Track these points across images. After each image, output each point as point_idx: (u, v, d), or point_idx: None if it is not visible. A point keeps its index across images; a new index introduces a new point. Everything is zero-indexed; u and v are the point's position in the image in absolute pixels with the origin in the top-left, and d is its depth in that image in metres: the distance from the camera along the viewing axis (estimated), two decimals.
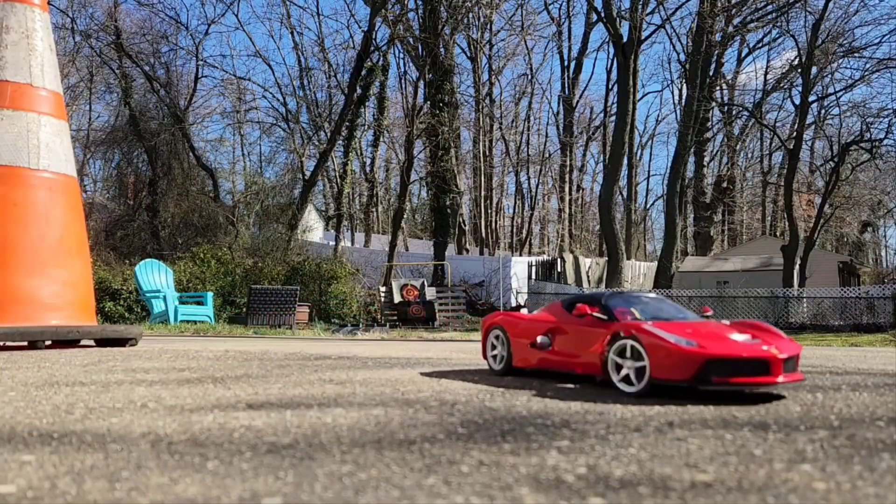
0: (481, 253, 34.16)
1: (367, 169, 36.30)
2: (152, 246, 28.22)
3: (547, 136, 43.46)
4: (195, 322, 16.65)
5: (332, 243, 28.11)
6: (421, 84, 29.01)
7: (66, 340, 7.49)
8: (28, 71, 7.94)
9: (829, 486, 1.97)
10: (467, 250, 34.40)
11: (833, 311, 19.63)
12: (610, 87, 38.36)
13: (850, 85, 26.90)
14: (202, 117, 36.48)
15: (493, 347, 5.12)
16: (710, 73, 27.97)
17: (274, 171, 40.67)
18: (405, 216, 30.55)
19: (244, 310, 18.71)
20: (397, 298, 19.73)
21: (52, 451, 2.38)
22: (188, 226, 30.90)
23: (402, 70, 37.81)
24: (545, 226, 48.77)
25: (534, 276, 26.28)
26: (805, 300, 20.55)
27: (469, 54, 36.89)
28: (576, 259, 29.25)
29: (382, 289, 21.39)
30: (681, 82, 37.25)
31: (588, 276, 29.17)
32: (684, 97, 30.31)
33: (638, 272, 32.23)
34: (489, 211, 38.05)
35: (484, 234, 36.62)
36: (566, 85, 39.15)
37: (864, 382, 4.67)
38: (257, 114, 38.60)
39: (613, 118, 31.52)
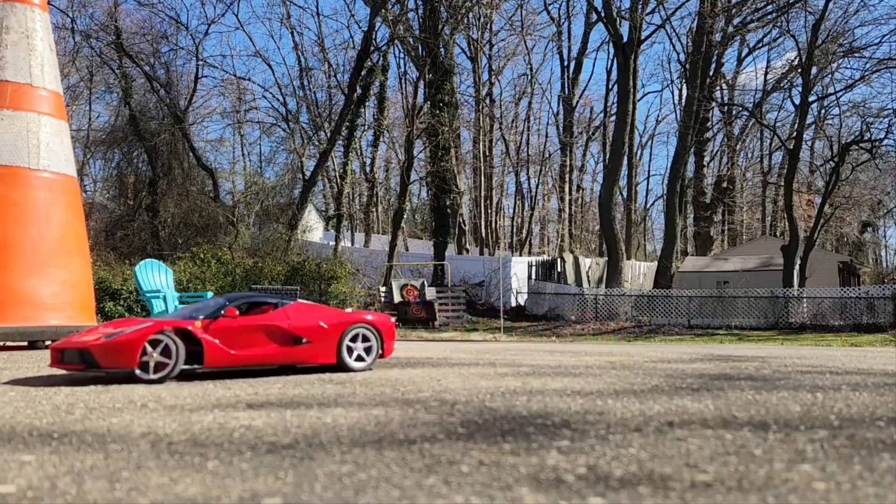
0: (481, 253, 34.15)
1: (367, 169, 36.29)
2: (152, 246, 28.21)
3: (547, 136, 43.47)
4: None
5: (332, 243, 28.11)
6: (421, 84, 29.01)
7: None
8: (28, 71, 7.93)
9: (829, 485, 1.97)
10: (467, 250, 34.39)
11: (833, 311, 19.62)
12: (610, 87, 38.34)
13: (850, 85, 26.90)
14: (202, 117, 36.49)
15: None
16: (710, 73, 27.96)
17: (274, 171, 40.70)
18: (405, 216, 30.56)
19: None
20: (397, 298, 19.74)
21: (52, 450, 2.38)
22: (188, 226, 30.89)
23: (402, 70, 37.85)
24: (545, 226, 48.73)
25: (534, 277, 26.27)
26: (805, 300, 20.55)
27: (469, 54, 36.88)
28: (576, 259, 29.23)
29: (382, 289, 21.40)
30: (681, 82, 37.27)
31: (588, 276, 29.15)
32: (684, 97, 30.31)
33: (638, 272, 32.21)
34: (489, 211, 38.04)
35: (484, 234, 36.60)
36: (566, 85, 39.14)
37: (865, 382, 4.67)
38: (257, 114, 38.63)
39: (613, 118, 31.51)
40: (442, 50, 28.90)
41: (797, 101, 26.02)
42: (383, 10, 26.38)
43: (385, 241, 31.17)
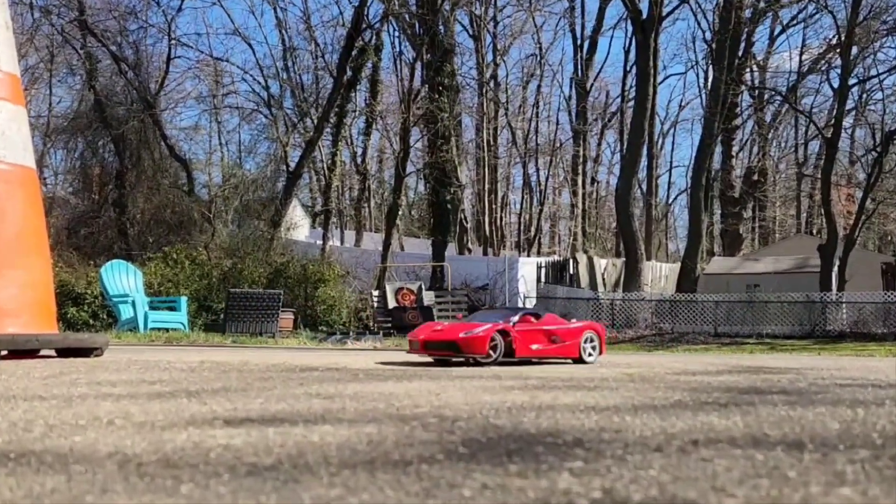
0: (485, 253, 34.18)
1: (359, 160, 36.31)
2: (120, 245, 28.24)
3: (558, 124, 43.49)
4: (167, 330, 16.66)
5: (320, 242, 28.13)
6: (418, 65, 29.02)
7: (23, 350, 7.49)
8: None
9: None
10: (469, 250, 34.43)
11: (875, 317, 19.62)
12: (628, 68, 38.37)
13: (894, 66, 26.95)
14: (175, 102, 36.40)
15: None
16: (739, 54, 27.98)
17: (255, 162, 40.60)
18: (400, 212, 30.62)
19: (222, 316, 18.73)
20: (392, 303, 19.75)
21: (7, 472, 2.38)
22: (159, 223, 30.92)
23: (398, 50, 37.74)
24: (556, 223, 48.79)
25: (543, 279, 26.29)
26: (844, 305, 20.56)
27: (471, 32, 36.88)
28: (590, 260, 29.25)
29: (375, 293, 21.42)
30: (706, 63, 37.26)
31: (604, 279, 29.17)
32: (710, 80, 30.32)
33: (659, 274, 32.24)
34: (494, 206, 38.07)
35: (488, 233, 36.62)
36: (579, 66, 39.14)
37: None
38: (236, 98, 38.56)
39: (632, 103, 31.54)
40: (441, 28, 28.90)
41: (836, 85, 26.05)
42: None
43: (378, 239, 31.19)
